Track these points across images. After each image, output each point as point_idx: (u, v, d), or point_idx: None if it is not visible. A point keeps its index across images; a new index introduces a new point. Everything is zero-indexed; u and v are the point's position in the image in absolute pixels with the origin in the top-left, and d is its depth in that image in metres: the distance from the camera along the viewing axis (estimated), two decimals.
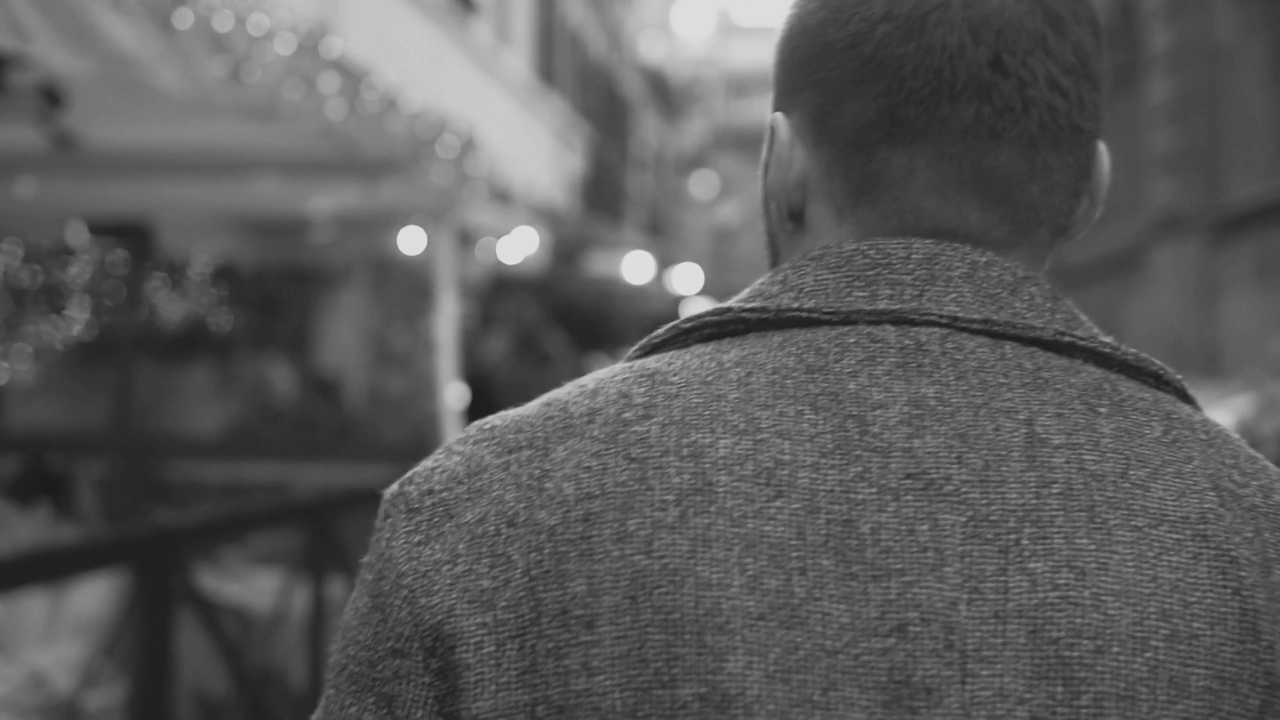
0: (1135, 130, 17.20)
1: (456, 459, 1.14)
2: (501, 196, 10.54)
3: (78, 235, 10.57)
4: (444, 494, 1.12)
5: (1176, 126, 15.46)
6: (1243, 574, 1.05)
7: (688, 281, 45.85)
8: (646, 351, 1.21)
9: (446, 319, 7.96)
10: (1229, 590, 1.05)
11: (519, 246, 14.00)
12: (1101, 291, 18.83)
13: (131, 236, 10.08)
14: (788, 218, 1.24)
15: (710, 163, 70.25)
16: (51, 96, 5.48)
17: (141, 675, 5.06)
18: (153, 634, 5.09)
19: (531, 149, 24.64)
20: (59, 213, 9.13)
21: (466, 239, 12.05)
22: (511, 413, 1.17)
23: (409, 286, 10.73)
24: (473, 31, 21.57)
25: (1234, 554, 1.06)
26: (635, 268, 29.06)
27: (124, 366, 10.27)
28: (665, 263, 43.79)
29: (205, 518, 6.39)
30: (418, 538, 1.11)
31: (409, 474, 1.17)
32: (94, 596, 6.16)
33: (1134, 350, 1.19)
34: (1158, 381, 1.19)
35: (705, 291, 50.99)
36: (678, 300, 40.43)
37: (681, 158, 64.82)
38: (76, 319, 13.10)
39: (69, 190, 8.04)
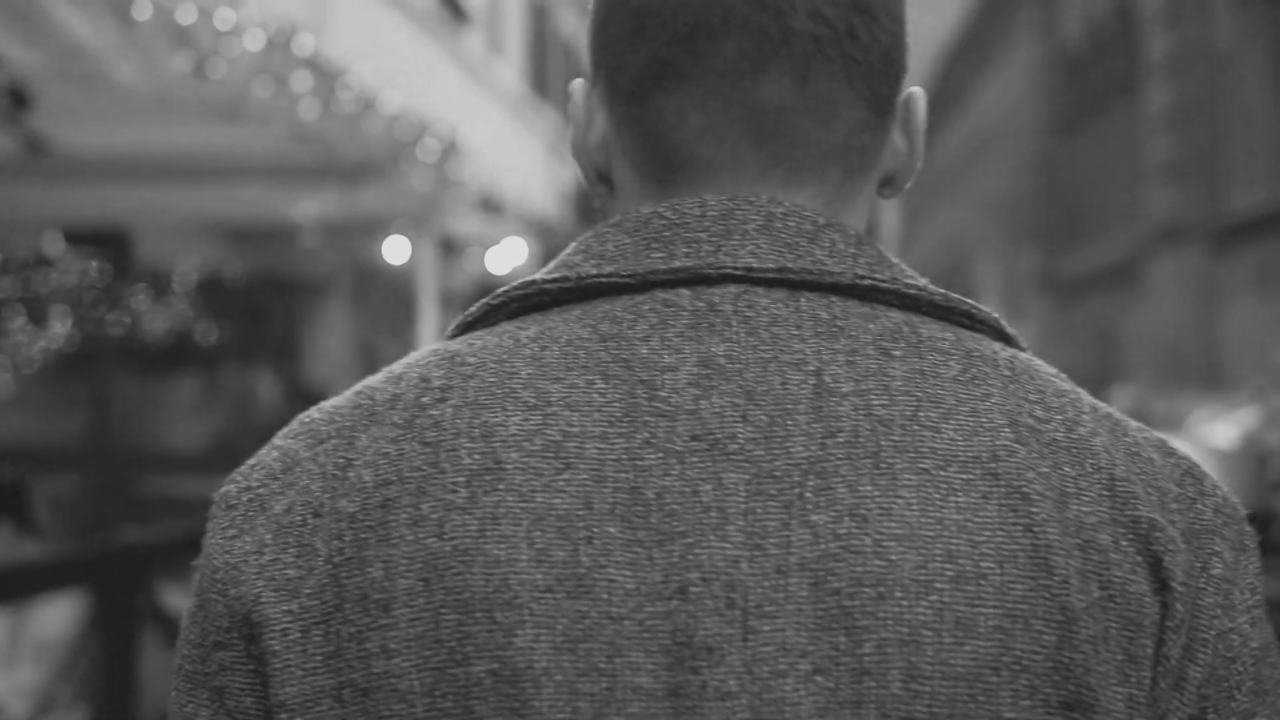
0: (1133, 138, 17.07)
1: (274, 454, 1.16)
2: (488, 205, 10.30)
3: (53, 244, 10.33)
4: (260, 489, 1.14)
5: (1175, 134, 15.31)
6: (1034, 510, 1.05)
7: None
8: (460, 330, 1.22)
9: (430, 329, 7.73)
10: (1019, 527, 1.04)
11: (508, 257, 13.78)
12: (1100, 302, 18.69)
13: (110, 245, 9.86)
14: (597, 180, 1.26)
15: None
16: (17, 97, 5.26)
17: (103, 700, 4.84)
18: (114, 656, 4.88)
19: (524, 160, 24.50)
20: (34, 221, 8.91)
21: (452, 248, 11.81)
22: (329, 402, 1.19)
23: (392, 296, 10.50)
24: (464, 42, 21.41)
25: (1025, 490, 1.05)
26: None
27: (103, 379, 10.05)
28: None
29: (171, 533, 6.15)
30: (232, 532, 1.13)
31: (232, 473, 1.19)
32: (57, 618, 5.92)
33: (943, 291, 1.17)
34: (971, 320, 1.18)
35: None
36: None
37: None
38: (56, 330, 12.86)
39: (42, 197, 7.83)
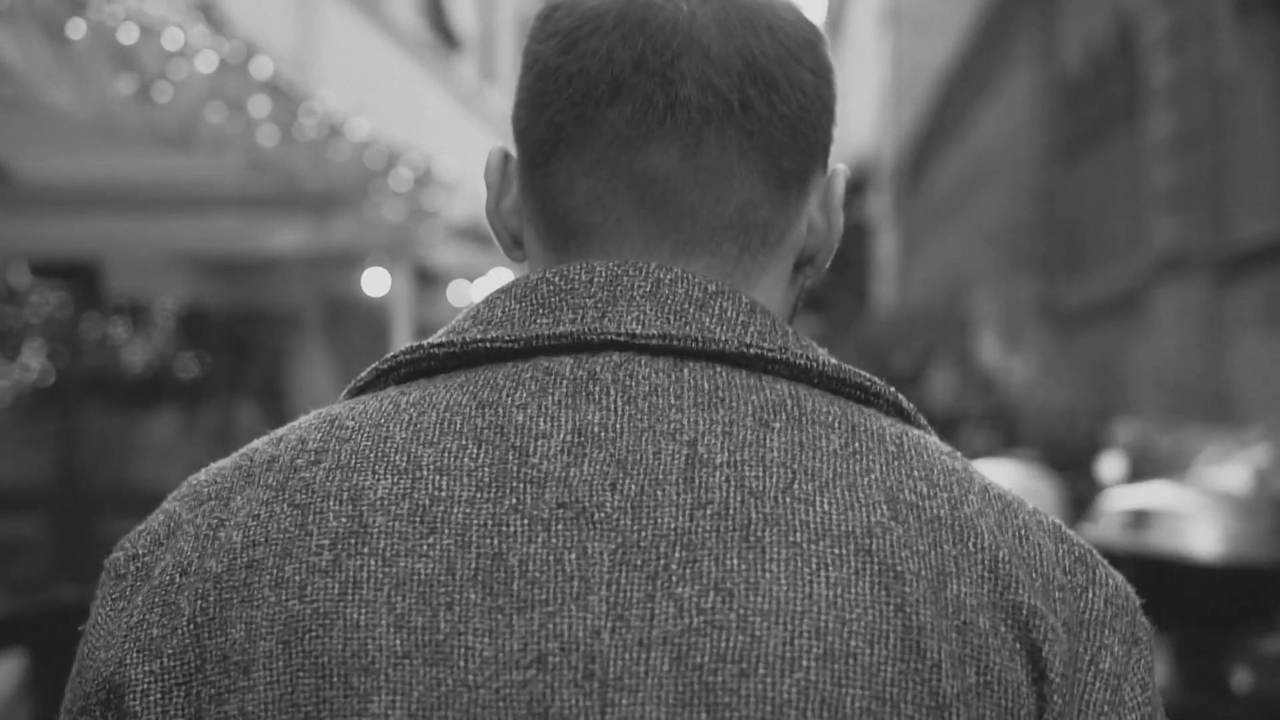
0: (1135, 166, 16.83)
1: (160, 518, 1.16)
2: (475, 235, 9.99)
3: (19, 276, 10.00)
4: (145, 557, 1.14)
5: (1179, 161, 15.04)
6: (907, 589, 1.04)
7: None
8: (353, 393, 1.22)
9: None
10: (891, 607, 1.03)
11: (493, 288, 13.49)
12: (1101, 335, 18.43)
13: (79, 277, 9.54)
14: (512, 245, 1.26)
15: None
16: None
17: None
18: (51, 718, 4.52)
19: None
20: (1, 253, 8.59)
21: (435, 280, 11.50)
22: (216, 464, 1.19)
23: (369, 329, 10.20)
24: (456, 70, 21.21)
25: (899, 568, 1.04)
26: None
27: (72, 414, 9.71)
28: None
29: None
30: (121, 603, 1.13)
31: (123, 539, 1.17)
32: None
33: (835, 362, 1.17)
34: (865, 394, 1.17)
35: None
36: None
37: None
38: (29, 365, 12.54)
39: (7, 228, 7.51)
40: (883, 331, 32.62)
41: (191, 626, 1.07)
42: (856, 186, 49.46)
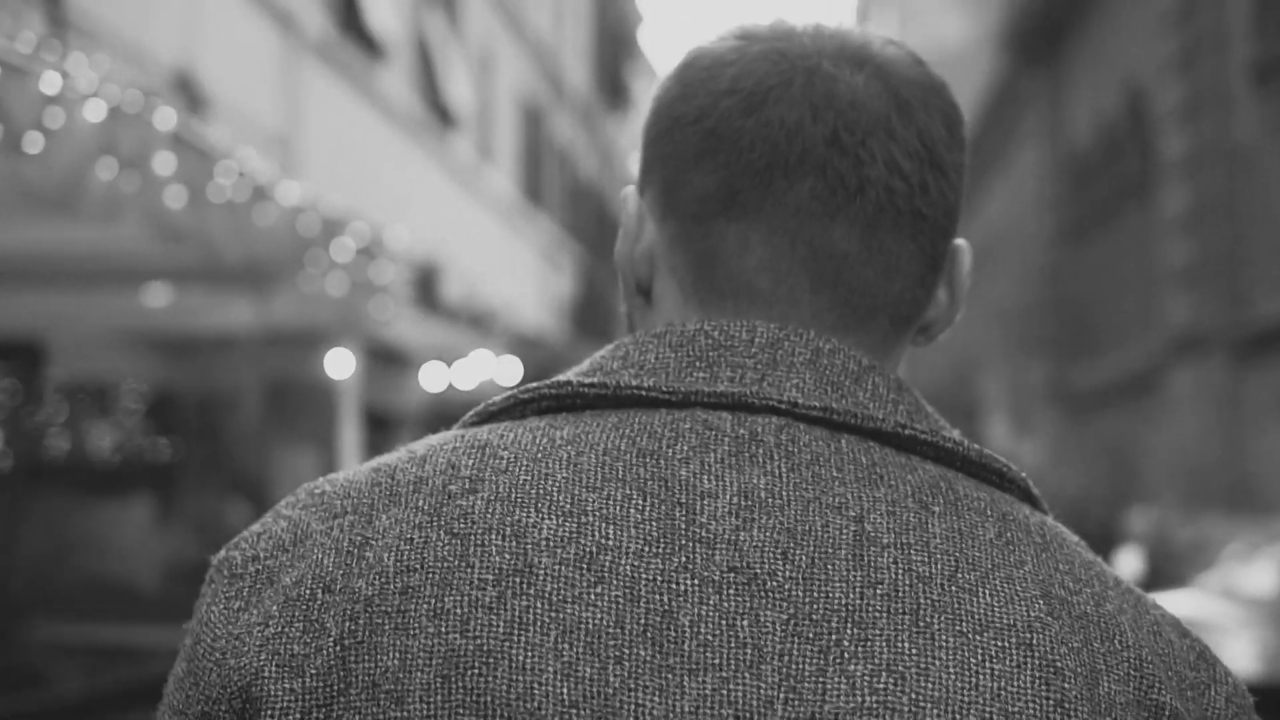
0: (1148, 243, 16.32)
1: (283, 524, 1.14)
2: (467, 316, 9.39)
3: None
4: (268, 560, 1.12)
5: (1194, 237, 14.51)
6: (1066, 685, 1.04)
7: None
8: (482, 419, 1.21)
9: (351, 452, 6.74)
10: (1051, 702, 1.03)
11: (476, 371, 12.91)
12: (1114, 417, 17.90)
13: (20, 357, 8.97)
14: (636, 291, 1.25)
15: None
16: None
17: None
18: None
19: (516, 270, 23.90)
20: None
21: (403, 361, 10.92)
22: (341, 476, 1.17)
23: (315, 416, 9.58)
24: (453, 148, 20.83)
25: (1059, 664, 1.05)
26: None
27: (11, 506, 9.12)
28: None
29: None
30: (237, 603, 1.11)
31: (235, 539, 1.15)
32: None
33: (977, 447, 1.16)
34: (1001, 480, 1.17)
35: None
36: None
37: None
38: None
39: None
40: None
41: (339, 649, 1.05)
42: None
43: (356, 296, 6.49)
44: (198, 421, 12.46)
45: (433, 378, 12.75)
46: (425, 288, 14.35)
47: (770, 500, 1.07)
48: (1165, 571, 10.08)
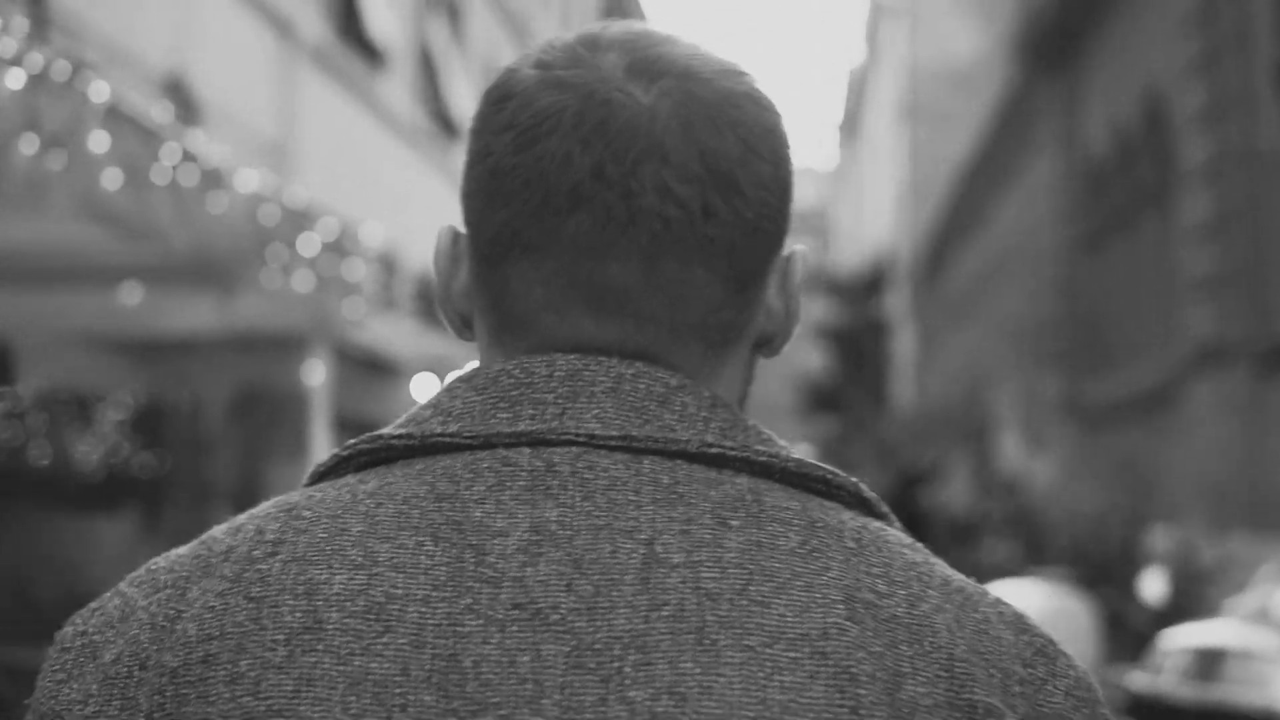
0: (1166, 253, 15.87)
1: (116, 601, 1.16)
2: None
3: None
4: (94, 636, 1.14)
5: (1215, 246, 14.06)
6: (861, 691, 1.05)
7: None
8: (314, 479, 1.22)
9: (320, 455, 6.26)
10: (845, 709, 1.04)
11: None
12: (1130, 434, 17.44)
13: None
14: (463, 327, 1.27)
15: None
16: None
17: None
18: None
19: None
20: None
21: (395, 371, 10.48)
22: (179, 549, 1.19)
23: (284, 425, 9.11)
24: (456, 158, 20.38)
25: (854, 670, 1.06)
26: None
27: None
28: None
29: None
30: (60, 676, 1.14)
31: (77, 612, 1.18)
32: None
33: (797, 457, 1.17)
34: (827, 487, 1.17)
35: None
36: None
37: None
38: None
39: None
40: (900, 431, 31.71)
41: None
42: (874, 284, 48.82)
43: (327, 296, 6.02)
44: (185, 432, 12.05)
45: (425, 389, 12.38)
46: (425, 299, 13.98)
47: (560, 532, 1.08)
48: (1191, 594, 9.61)
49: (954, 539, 15.69)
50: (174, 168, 4.56)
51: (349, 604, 1.07)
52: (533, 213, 1.15)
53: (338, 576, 1.08)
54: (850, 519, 1.14)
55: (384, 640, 1.05)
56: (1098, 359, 19.98)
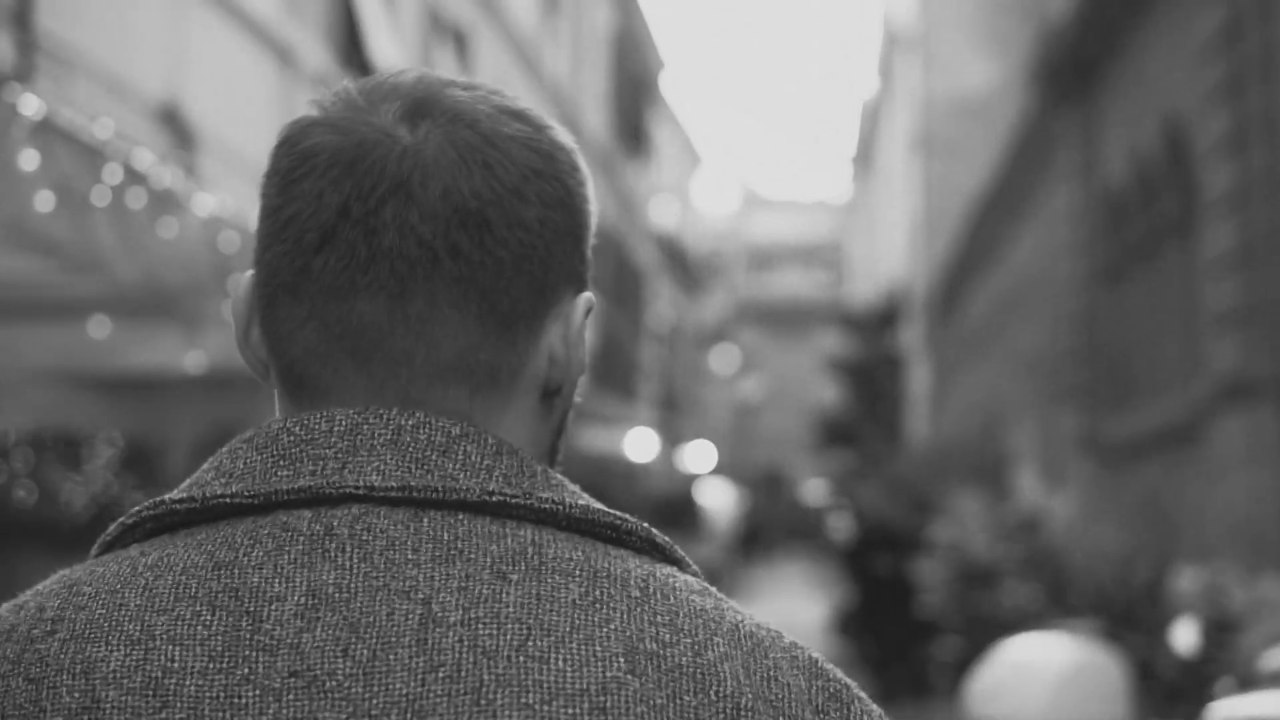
0: (1190, 285, 15.41)
1: None
2: None
3: None
4: None
5: (1240, 277, 13.61)
6: None
7: (701, 459, 44.34)
8: (102, 549, 1.21)
9: None
10: None
11: None
12: (1153, 469, 16.99)
13: None
14: (265, 374, 1.25)
15: (732, 336, 69.58)
16: None
17: None
18: None
19: None
20: None
21: None
22: None
23: None
24: None
25: None
26: (637, 445, 27.37)
27: None
28: (676, 440, 42.27)
29: None
30: None
31: None
32: None
33: (584, 503, 1.17)
34: (616, 534, 1.17)
35: (720, 470, 49.73)
36: (690, 479, 38.92)
37: (702, 331, 63.52)
38: None
39: None
40: (915, 467, 31.30)
41: None
42: (888, 317, 48.45)
43: None
44: (160, 472, 11.73)
45: None
46: None
47: (337, 595, 1.08)
48: (1223, 642, 9.15)
49: (971, 580, 15.21)
50: (116, 188, 4.14)
51: (126, 681, 1.05)
52: (287, 253, 1.16)
53: (115, 653, 1.07)
54: (636, 566, 1.14)
55: (162, 715, 1.04)
56: (1118, 394, 19.52)
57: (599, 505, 1.18)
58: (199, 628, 1.07)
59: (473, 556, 1.10)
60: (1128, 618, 11.27)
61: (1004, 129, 29.78)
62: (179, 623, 1.08)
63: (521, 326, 1.20)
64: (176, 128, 14.26)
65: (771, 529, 54.55)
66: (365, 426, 1.15)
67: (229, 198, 5.42)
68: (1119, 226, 19.14)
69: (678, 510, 34.43)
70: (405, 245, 1.15)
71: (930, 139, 43.36)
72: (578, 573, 1.11)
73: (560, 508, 1.14)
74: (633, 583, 1.12)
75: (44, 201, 3.90)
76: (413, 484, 1.12)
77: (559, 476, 1.19)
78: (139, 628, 1.08)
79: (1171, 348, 16.45)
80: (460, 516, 1.12)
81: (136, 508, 1.20)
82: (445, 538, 1.11)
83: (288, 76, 17.35)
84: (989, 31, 40.03)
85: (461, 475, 1.13)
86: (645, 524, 1.19)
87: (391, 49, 20.19)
